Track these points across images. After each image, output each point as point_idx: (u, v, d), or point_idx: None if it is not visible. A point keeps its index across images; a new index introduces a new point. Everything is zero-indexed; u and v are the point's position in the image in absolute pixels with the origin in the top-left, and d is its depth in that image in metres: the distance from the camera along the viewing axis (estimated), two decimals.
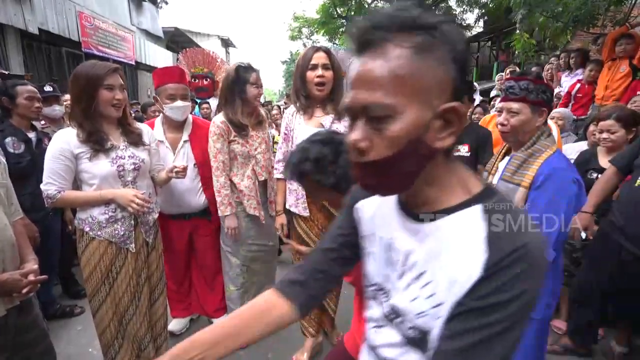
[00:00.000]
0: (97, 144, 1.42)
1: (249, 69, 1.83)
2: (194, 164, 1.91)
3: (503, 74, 4.96)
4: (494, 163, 1.41)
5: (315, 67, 1.65)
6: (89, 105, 1.40)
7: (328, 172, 0.97)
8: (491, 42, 13.83)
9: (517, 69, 4.67)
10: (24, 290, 1.13)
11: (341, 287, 1.97)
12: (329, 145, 0.98)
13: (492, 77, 10.01)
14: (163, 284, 1.77)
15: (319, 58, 1.65)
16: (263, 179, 1.93)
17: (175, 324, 2.17)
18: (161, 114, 1.94)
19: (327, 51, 1.69)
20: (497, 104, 1.54)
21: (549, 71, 4.10)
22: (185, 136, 1.93)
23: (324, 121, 1.70)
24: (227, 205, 1.84)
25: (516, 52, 7.25)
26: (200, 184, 1.94)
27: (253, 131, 1.89)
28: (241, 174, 1.89)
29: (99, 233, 1.46)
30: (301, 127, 1.73)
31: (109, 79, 1.41)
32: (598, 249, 1.85)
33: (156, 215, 1.68)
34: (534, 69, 4.34)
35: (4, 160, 1.25)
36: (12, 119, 2.04)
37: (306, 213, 1.74)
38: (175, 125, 1.92)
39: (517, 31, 6.46)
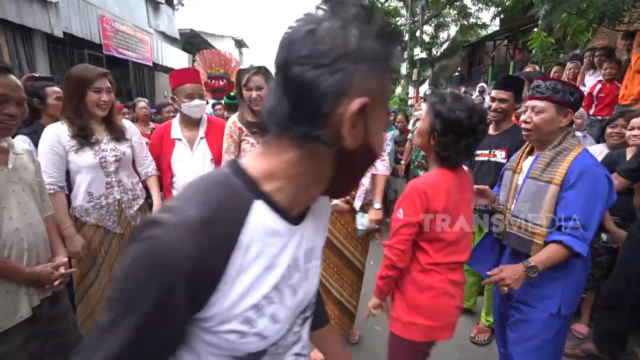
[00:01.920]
0: (84, 138, 1.58)
1: (244, 70, 1.81)
2: (211, 159, 1.96)
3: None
4: (518, 162, 1.39)
5: None
6: (79, 104, 1.56)
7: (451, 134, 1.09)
8: (507, 41, 13.56)
9: (537, 68, 4.56)
10: (56, 282, 1.18)
11: (362, 283, 1.97)
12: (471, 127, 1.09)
13: None
14: None
15: None
16: None
17: None
18: (178, 114, 2.00)
19: None
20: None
21: (572, 70, 3.99)
22: (201, 133, 1.99)
23: None
24: None
25: (533, 51, 7.08)
26: None
27: (266, 132, 1.90)
28: None
29: (87, 218, 1.64)
30: None
31: (97, 82, 1.56)
32: (629, 255, 1.80)
33: (141, 202, 1.84)
34: (554, 68, 4.23)
35: (38, 159, 1.31)
36: (42, 120, 2.12)
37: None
38: (192, 123, 1.98)
39: (535, 29, 6.31)
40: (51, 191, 1.53)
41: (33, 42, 5.40)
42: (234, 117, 1.86)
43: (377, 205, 1.76)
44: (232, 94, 3.68)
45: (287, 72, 0.40)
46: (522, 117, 1.30)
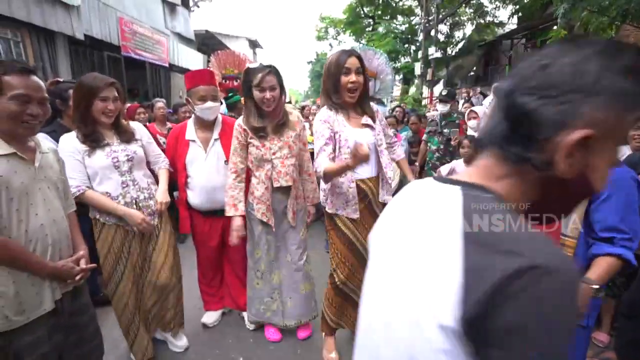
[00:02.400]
0: (94, 142, 1.62)
1: (255, 69, 1.73)
2: (225, 161, 1.97)
3: None
4: None
5: (348, 71, 1.63)
6: (86, 112, 1.60)
7: None
8: (525, 40, 13.23)
9: None
10: (77, 277, 1.23)
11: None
12: None
13: None
14: (177, 269, 1.96)
15: (352, 63, 1.63)
16: (279, 185, 1.84)
17: (208, 317, 2.24)
18: (193, 115, 2.03)
19: (358, 56, 1.67)
20: None
21: None
22: (215, 135, 2.00)
23: (364, 122, 1.70)
24: (231, 207, 1.82)
25: None
26: None
27: (274, 135, 1.83)
28: (257, 177, 1.87)
29: (107, 218, 1.68)
30: (347, 130, 1.68)
31: (104, 92, 1.59)
32: None
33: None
34: None
35: (62, 157, 1.36)
36: (62, 120, 2.20)
37: (356, 215, 1.69)
38: (206, 125, 2.00)
39: (555, 27, 6.13)
40: (82, 191, 1.60)
41: (56, 45, 5.60)
42: (240, 120, 1.84)
43: None
44: (230, 93, 3.69)
45: (511, 99, 0.44)
46: None
